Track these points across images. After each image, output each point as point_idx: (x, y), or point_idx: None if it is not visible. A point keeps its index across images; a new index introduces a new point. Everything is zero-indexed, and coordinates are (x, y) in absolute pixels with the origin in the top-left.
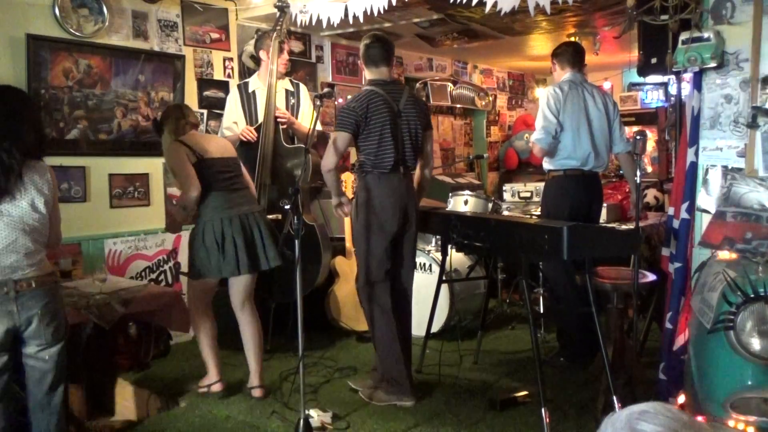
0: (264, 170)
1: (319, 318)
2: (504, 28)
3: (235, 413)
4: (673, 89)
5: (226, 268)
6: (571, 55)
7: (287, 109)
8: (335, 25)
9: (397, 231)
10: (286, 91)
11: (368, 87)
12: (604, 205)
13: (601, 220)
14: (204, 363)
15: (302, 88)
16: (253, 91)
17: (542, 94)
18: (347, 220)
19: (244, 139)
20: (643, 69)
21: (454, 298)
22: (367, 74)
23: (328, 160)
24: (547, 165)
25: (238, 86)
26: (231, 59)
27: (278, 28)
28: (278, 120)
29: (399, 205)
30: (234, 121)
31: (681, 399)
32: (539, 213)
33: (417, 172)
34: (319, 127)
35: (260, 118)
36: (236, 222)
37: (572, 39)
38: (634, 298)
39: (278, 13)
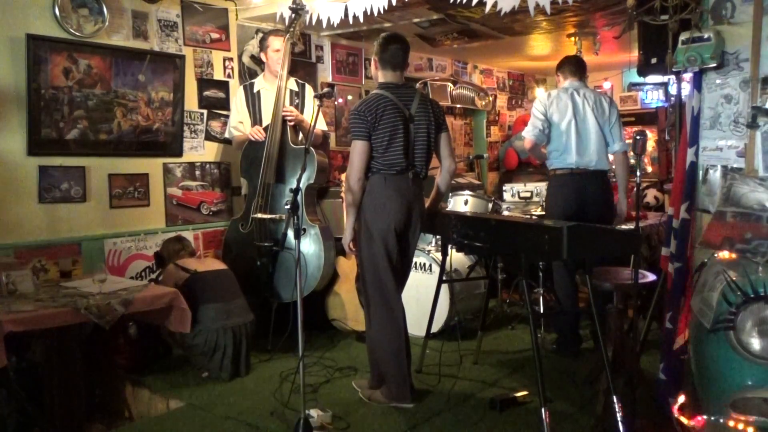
0: (269, 170)
1: (319, 318)
2: (504, 28)
3: (234, 413)
4: (673, 89)
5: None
6: (568, 65)
7: None
8: (335, 25)
9: (401, 233)
10: (291, 91)
11: (378, 90)
12: None
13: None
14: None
15: (308, 88)
16: (258, 91)
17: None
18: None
19: (253, 139)
20: (643, 69)
21: (454, 298)
22: (380, 76)
23: (353, 170)
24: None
25: (244, 86)
26: (231, 59)
27: (291, 30)
28: (286, 118)
29: (403, 207)
30: (240, 120)
31: (681, 399)
32: (539, 213)
33: (437, 178)
34: (324, 127)
35: (264, 118)
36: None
37: (572, 39)
38: (634, 298)
39: (293, 15)
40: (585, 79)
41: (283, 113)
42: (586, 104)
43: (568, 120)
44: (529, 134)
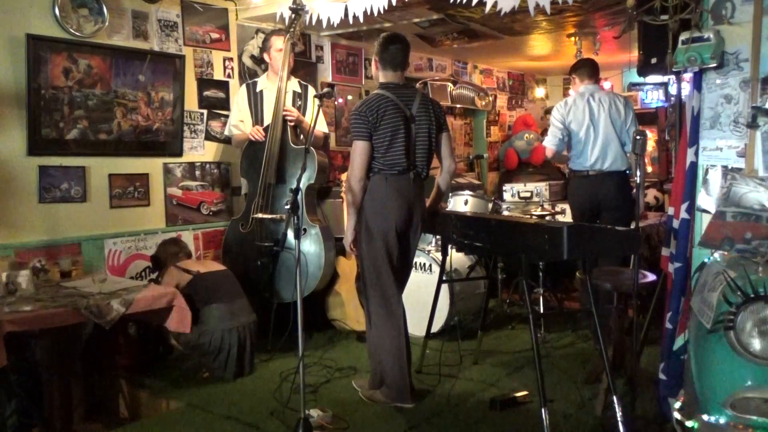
0: (269, 170)
1: (319, 318)
2: (504, 28)
3: (235, 413)
4: (673, 89)
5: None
6: (585, 68)
7: None
8: (335, 25)
9: (402, 233)
10: (294, 92)
11: (378, 91)
12: None
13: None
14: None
15: (310, 90)
16: (261, 91)
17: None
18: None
19: (253, 139)
20: (643, 69)
21: (454, 298)
22: (381, 76)
23: (354, 171)
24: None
25: (247, 85)
26: (231, 59)
27: (291, 30)
28: (286, 118)
29: (404, 207)
30: (240, 119)
31: (681, 399)
32: (539, 213)
33: (437, 177)
34: (325, 129)
35: (266, 118)
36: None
37: (572, 39)
38: (634, 298)
39: (293, 15)
40: (599, 81)
41: (284, 113)
42: (602, 108)
43: (586, 126)
44: (549, 144)
